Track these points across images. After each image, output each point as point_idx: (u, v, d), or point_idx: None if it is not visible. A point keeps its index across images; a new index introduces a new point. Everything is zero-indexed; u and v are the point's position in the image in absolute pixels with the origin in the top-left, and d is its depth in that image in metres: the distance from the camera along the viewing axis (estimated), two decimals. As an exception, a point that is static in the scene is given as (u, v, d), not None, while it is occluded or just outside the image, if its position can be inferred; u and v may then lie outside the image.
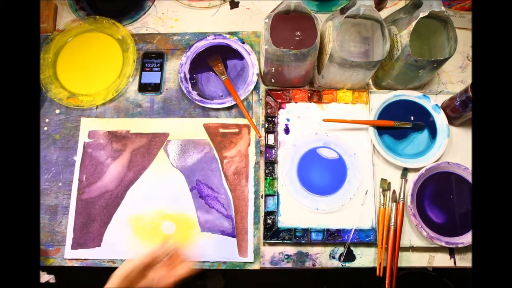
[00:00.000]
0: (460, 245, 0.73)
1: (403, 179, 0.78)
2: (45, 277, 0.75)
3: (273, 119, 0.82)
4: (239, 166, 0.80)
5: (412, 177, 0.77)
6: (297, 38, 0.82)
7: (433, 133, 0.81)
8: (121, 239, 0.76)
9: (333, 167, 0.79)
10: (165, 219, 0.77)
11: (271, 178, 0.79)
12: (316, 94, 0.84)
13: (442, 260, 0.76)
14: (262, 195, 0.78)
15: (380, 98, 0.82)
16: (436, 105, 0.81)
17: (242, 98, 0.82)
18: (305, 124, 0.82)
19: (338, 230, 0.76)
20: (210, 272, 1.22)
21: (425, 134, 0.81)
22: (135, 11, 0.93)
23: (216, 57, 0.86)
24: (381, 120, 0.80)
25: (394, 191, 0.77)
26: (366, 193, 0.78)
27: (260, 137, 0.80)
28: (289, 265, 0.75)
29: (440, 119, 0.81)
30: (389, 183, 0.78)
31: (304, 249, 0.76)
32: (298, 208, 0.77)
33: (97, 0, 0.95)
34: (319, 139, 0.81)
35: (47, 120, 0.85)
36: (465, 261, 0.76)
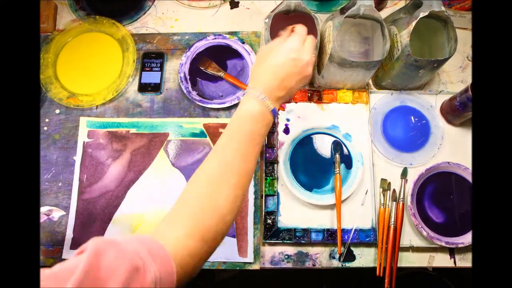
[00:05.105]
0: (460, 245, 0.73)
1: (403, 179, 0.78)
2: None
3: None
4: (239, 166, 0.80)
5: (412, 177, 0.77)
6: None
7: (348, 163, 0.79)
8: (121, 239, 0.76)
9: (415, 122, 0.81)
10: (165, 219, 0.77)
11: (271, 178, 0.79)
12: (316, 94, 0.84)
13: (442, 260, 0.76)
14: (262, 195, 0.78)
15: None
16: (347, 133, 0.80)
17: (241, 98, 0.82)
18: (306, 124, 0.82)
19: (338, 230, 0.76)
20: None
21: (341, 166, 0.79)
22: (135, 11, 0.93)
23: (204, 60, 0.86)
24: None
25: (394, 190, 0.77)
26: (366, 193, 0.78)
27: (284, 110, 0.82)
28: (289, 265, 0.75)
29: (353, 146, 0.79)
30: (389, 183, 0.78)
31: (304, 249, 0.76)
32: (298, 208, 0.77)
33: (97, 0, 0.95)
34: (396, 99, 0.83)
35: (47, 120, 0.85)
36: (465, 261, 0.75)
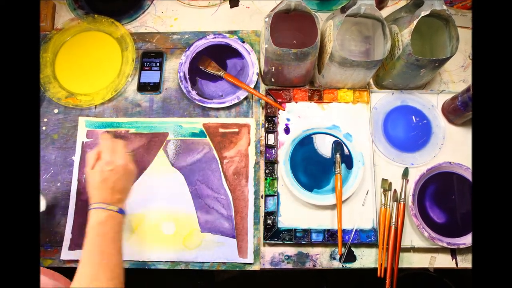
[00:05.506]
0: (462, 246, 0.72)
1: (404, 179, 0.77)
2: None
3: (273, 118, 0.82)
4: (239, 166, 0.80)
5: (413, 177, 0.77)
6: (297, 37, 0.82)
7: (348, 163, 0.79)
8: (120, 240, 0.76)
9: (416, 122, 0.81)
10: (165, 219, 0.77)
11: (271, 178, 0.78)
12: (317, 94, 0.83)
13: (444, 261, 0.75)
14: (262, 195, 0.78)
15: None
16: (348, 133, 0.79)
17: (241, 97, 0.82)
18: (306, 124, 0.81)
19: (339, 231, 0.75)
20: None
21: (341, 166, 0.78)
22: (134, 10, 0.93)
23: (204, 59, 0.85)
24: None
25: (395, 191, 0.77)
26: (367, 193, 0.77)
27: (284, 110, 0.82)
28: (289, 266, 0.75)
29: (353, 146, 0.79)
30: (390, 183, 0.77)
31: (305, 250, 0.76)
32: (299, 208, 0.77)
33: (96, -1, 0.95)
34: (397, 98, 0.82)
35: (45, 119, 0.84)
36: (467, 262, 0.75)
